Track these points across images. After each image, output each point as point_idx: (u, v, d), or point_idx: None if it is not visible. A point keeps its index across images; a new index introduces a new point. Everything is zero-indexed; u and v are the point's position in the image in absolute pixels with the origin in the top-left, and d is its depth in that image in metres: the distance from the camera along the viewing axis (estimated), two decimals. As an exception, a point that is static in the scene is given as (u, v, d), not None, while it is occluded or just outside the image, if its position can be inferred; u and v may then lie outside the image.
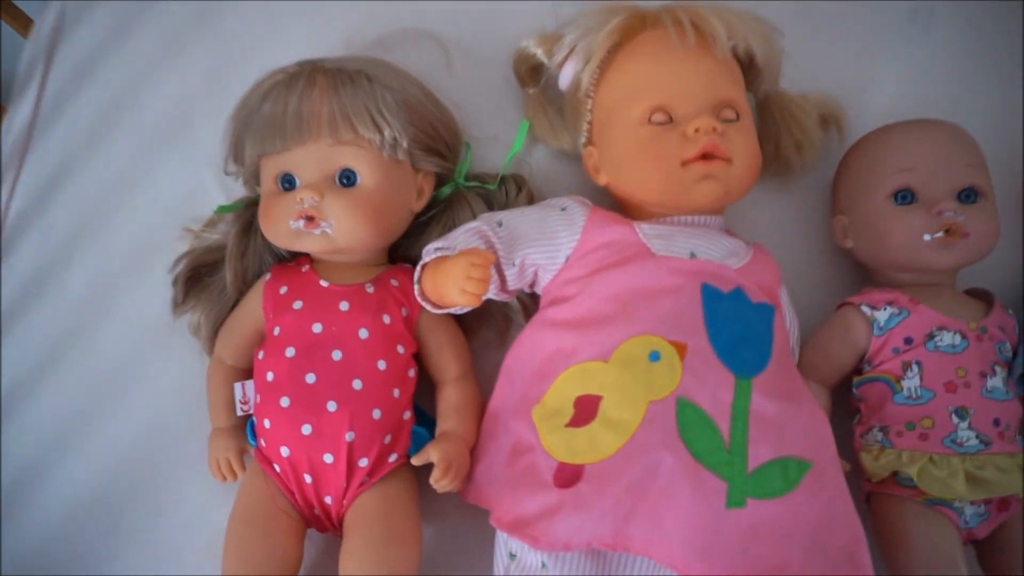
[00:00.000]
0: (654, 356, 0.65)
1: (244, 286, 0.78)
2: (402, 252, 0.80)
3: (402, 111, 0.73)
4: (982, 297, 0.77)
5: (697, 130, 0.69)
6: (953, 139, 0.75)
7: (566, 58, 0.77)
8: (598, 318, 0.69)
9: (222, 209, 0.80)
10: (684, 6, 0.74)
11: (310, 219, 0.70)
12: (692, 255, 0.71)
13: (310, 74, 0.72)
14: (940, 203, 0.71)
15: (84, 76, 0.91)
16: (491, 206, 0.82)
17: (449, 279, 0.67)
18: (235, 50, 0.91)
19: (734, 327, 0.67)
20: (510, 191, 0.83)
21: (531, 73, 0.83)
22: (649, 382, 0.64)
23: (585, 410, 0.66)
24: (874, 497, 0.73)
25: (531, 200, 0.82)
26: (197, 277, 0.80)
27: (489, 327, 0.81)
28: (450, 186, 0.82)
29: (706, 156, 0.70)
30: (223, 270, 0.78)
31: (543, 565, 0.65)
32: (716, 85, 0.72)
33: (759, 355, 0.67)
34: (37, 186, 0.88)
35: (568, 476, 0.64)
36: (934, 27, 0.92)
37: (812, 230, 0.86)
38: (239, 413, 0.75)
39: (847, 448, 0.75)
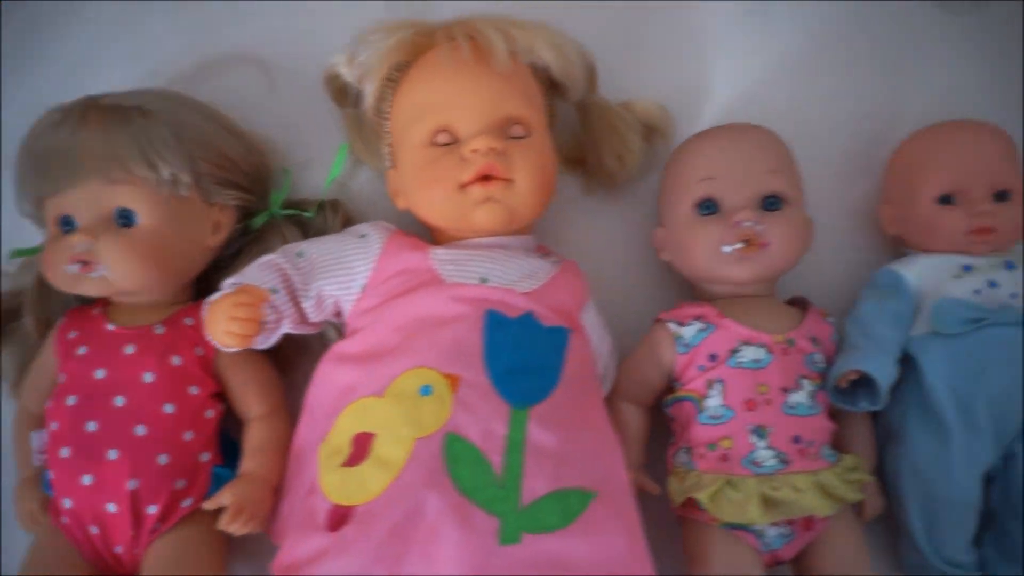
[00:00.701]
0: (425, 390, 0.63)
1: (47, 331, 0.76)
2: (209, 287, 0.78)
3: (184, 145, 0.71)
4: (802, 306, 0.75)
5: (475, 151, 0.67)
6: (756, 144, 0.72)
7: (361, 78, 0.75)
8: (382, 351, 0.67)
9: (17, 254, 0.78)
10: (464, 20, 0.71)
11: (85, 263, 0.68)
12: (483, 280, 0.68)
13: (83, 112, 0.70)
14: (738, 212, 0.69)
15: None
16: (308, 234, 0.80)
17: (214, 321, 0.65)
18: (57, 80, 0.88)
19: (516, 355, 0.65)
20: (328, 217, 0.81)
21: (341, 93, 0.81)
22: (417, 418, 0.62)
23: (360, 448, 0.63)
24: (682, 521, 0.70)
25: (349, 225, 0.80)
26: (3, 322, 0.78)
27: (309, 360, 0.79)
28: (263, 216, 0.79)
29: (486, 178, 0.67)
30: (25, 317, 0.76)
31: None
32: (501, 102, 0.70)
33: (542, 383, 0.65)
34: None
35: (339, 518, 0.62)
36: (770, 23, 0.89)
37: (643, 243, 0.83)
38: (36, 463, 0.73)
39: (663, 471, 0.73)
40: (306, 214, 0.80)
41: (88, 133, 0.69)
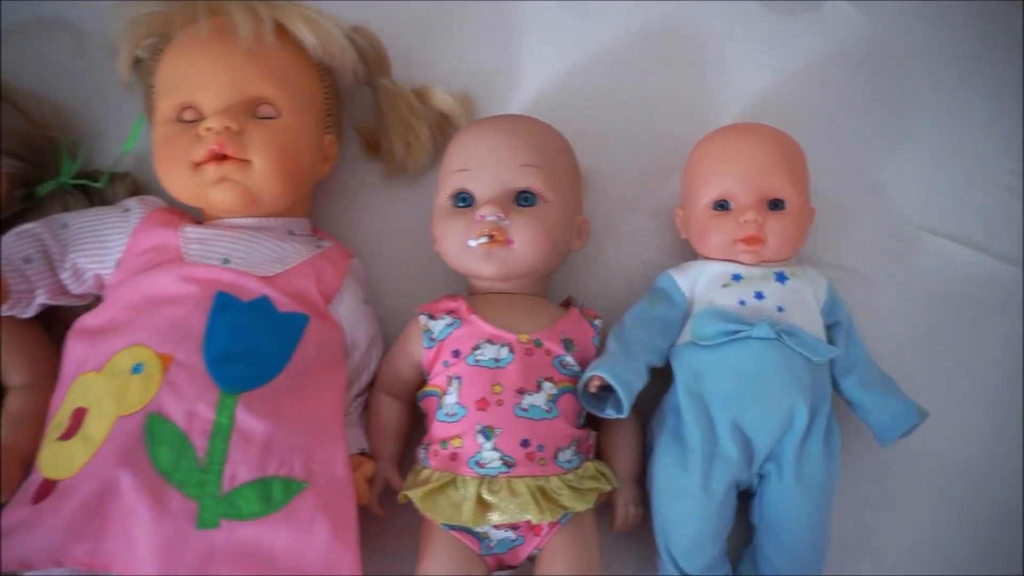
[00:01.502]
0: (136, 368, 0.62)
1: None
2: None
3: None
4: (566, 305, 0.73)
5: (208, 129, 0.65)
6: (513, 137, 0.70)
7: (121, 52, 0.74)
8: (111, 327, 0.66)
9: None
10: (222, -2, 0.69)
11: None
12: (225, 261, 0.67)
13: None
14: (484, 207, 0.67)
15: None
16: (99, 205, 0.79)
17: None
18: None
19: (239, 339, 0.64)
20: (118, 190, 0.79)
21: (134, 65, 0.80)
22: (122, 396, 0.61)
23: (75, 423, 0.63)
24: (421, 519, 0.69)
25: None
26: None
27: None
28: (50, 184, 0.78)
29: (221, 157, 0.66)
30: None
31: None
32: (246, 81, 0.68)
33: (262, 369, 0.64)
34: None
35: (43, 492, 0.61)
36: (588, 14, 0.86)
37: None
38: None
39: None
40: (95, 184, 0.79)
41: None
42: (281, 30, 0.70)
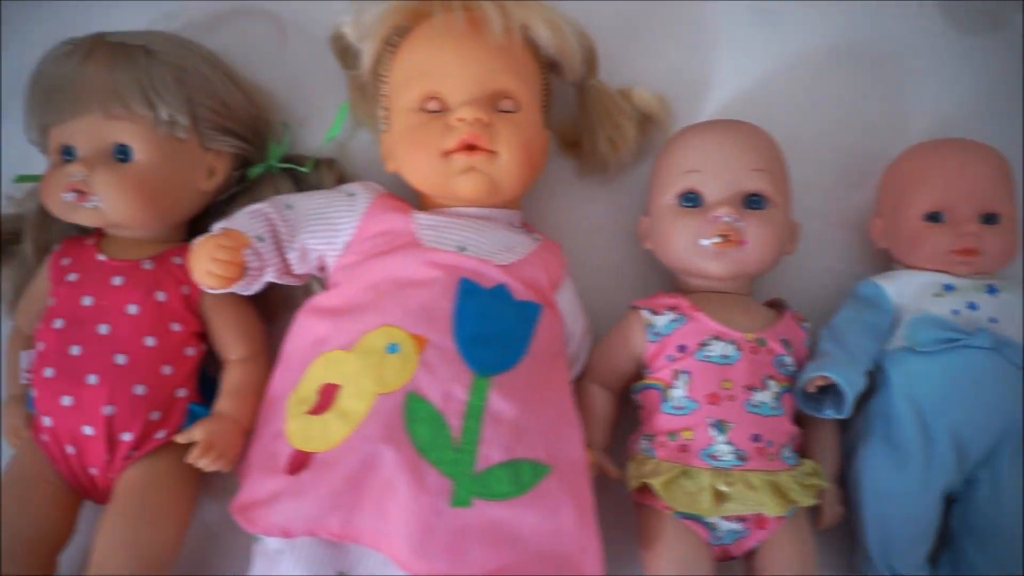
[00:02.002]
0: (392, 348, 0.64)
1: (45, 256, 0.78)
2: (204, 231, 0.80)
3: (184, 88, 0.73)
4: (778, 308, 0.75)
5: (461, 119, 0.68)
6: (744, 141, 0.72)
7: (361, 39, 0.76)
8: (354, 307, 0.68)
9: (21, 179, 0.80)
10: (471, -9, 0.72)
11: (80, 193, 0.70)
12: (461, 248, 0.70)
13: (91, 46, 0.72)
14: (718, 208, 0.69)
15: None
16: (302, 189, 0.81)
17: (197, 260, 0.67)
18: (72, 14, 0.89)
19: (484, 324, 0.66)
20: (323, 175, 0.82)
21: (345, 54, 0.82)
22: (381, 374, 0.64)
23: (326, 398, 0.65)
24: (637, 506, 0.71)
25: (342, 184, 0.81)
26: (4, 245, 0.80)
27: (292, 310, 0.81)
28: (261, 167, 0.81)
29: (470, 147, 0.68)
30: (24, 241, 0.79)
31: (280, 551, 0.65)
32: (492, 74, 0.70)
33: (507, 354, 0.66)
34: None
35: (298, 463, 0.64)
36: (780, 23, 0.88)
37: (630, 231, 0.84)
38: (23, 381, 0.76)
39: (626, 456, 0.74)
40: (302, 169, 0.81)
41: (93, 67, 0.71)
42: (524, 27, 0.72)
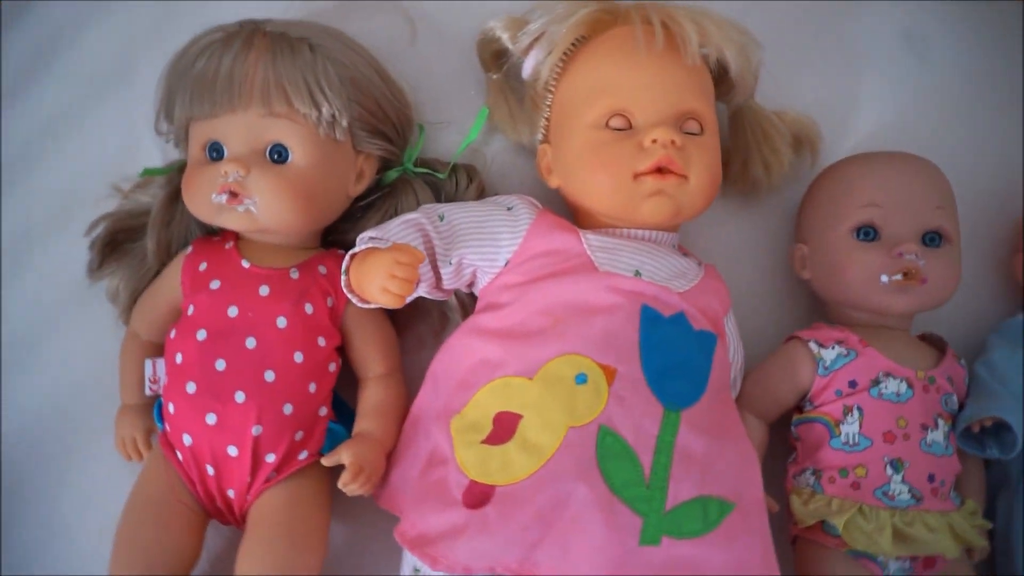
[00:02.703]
0: (581, 379, 0.61)
1: (167, 257, 0.74)
2: (337, 237, 0.76)
3: (345, 87, 0.68)
4: (936, 344, 0.74)
5: (655, 141, 0.65)
6: (925, 177, 0.71)
7: (530, 46, 0.72)
8: (529, 331, 0.65)
9: (148, 172, 0.75)
10: (658, 6, 0.69)
11: (233, 195, 0.65)
12: (637, 273, 0.67)
13: (249, 35, 0.67)
14: (902, 244, 0.68)
15: (23, 10, 0.85)
16: (439, 196, 0.77)
17: (372, 275, 0.63)
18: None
19: (670, 355, 0.64)
20: (460, 182, 0.78)
21: (495, 58, 0.78)
22: (572, 406, 0.61)
23: (504, 428, 0.62)
24: (800, 541, 0.70)
25: (482, 193, 0.78)
26: (117, 242, 0.75)
27: (425, 324, 0.78)
28: (397, 171, 0.77)
29: (661, 170, 0.66)
30: (146, 237, 0.73)
31: (443, 584, 0.62)
32: (682, 94, 0.68)
33: (693, 387, 0.64)
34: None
35: (478, 496, 0.61)
36: (928, 54, 0.87)
37: (774, 255, 0.82)
38: (147, 392, 0.71)
39: (779, 487, 0.72)
40: (439, 175, 0.78)
41: (255, 59, 0.66)
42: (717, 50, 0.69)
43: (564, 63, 0.71)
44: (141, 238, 0.74)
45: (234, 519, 0.69)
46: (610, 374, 0.62)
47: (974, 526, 0.68)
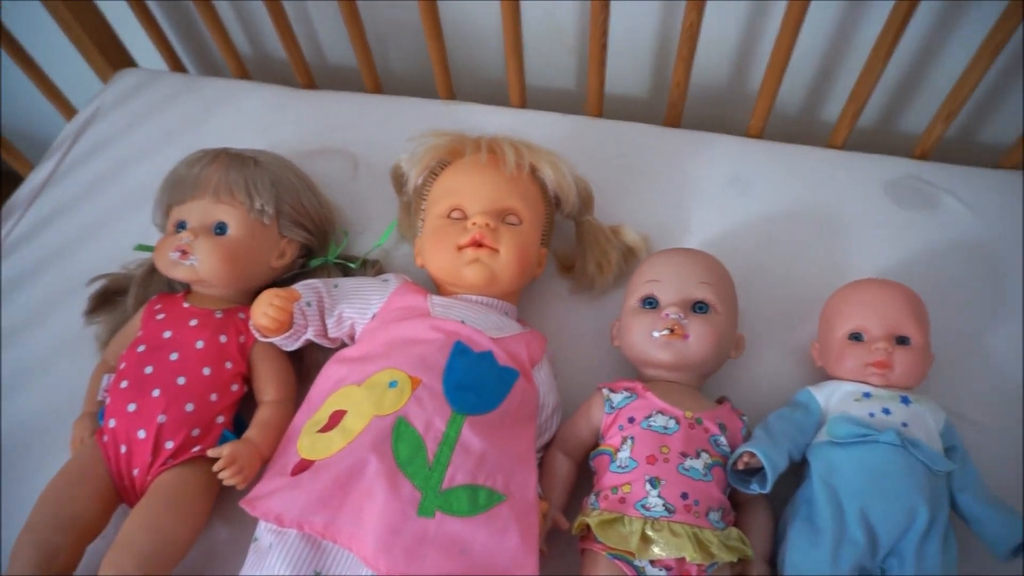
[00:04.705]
0: (392, 384, 0.80)
1: (140, 307, 1.00)
2: (261, 300, 1.01)
3: (276, 188, 0.97)
4: (720, 401, 0.88)
5: (473, 223, 0.89)
6: (694, 262, 0.90)
7: (410, 168, 1.01)
8: (369, 356, 0.86)
9: (140, 248, 1.04)
10: (491, 136, 0.97)
11: (183, 252, 0.93)
12: (462, 320, 0.87)
13: (216, 154, 0.98)
14: (669, 307, 0.86)
15: (97, 152, 1.23)
16: (351, 281, 1.02)
17: (258, 304, 0.87)
18: (207, 144, 1.18)
19: (468, 376, 0.82)
20: (368, 271, 1.03)
21: (399, 183, 1.07)
22: (380, 402, 0.79)
23: (334, 421, 0.80)
24: (582, 552, 0.81)
25: (380, 278, 1.02)
26: (109, 297, 1.03)
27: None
28: (320, 260, 1.04)
29: (477, 244, 0.89)
30: (129, 294, 1.01)
31: (270, 546, 0.77)
32: (503, 195, 0.92)
33: (484, 401, 0.81)
34: (32, 225, 1.16)
35: (301, 468, 0.78)
36: (749, 193, 1.10)
37: (608, 337, 1.00)
38: (99, 397, 0.94)
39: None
40: (351, 265, 1.03)
41: (214, 167, 0.96)
42: (532, 166, 0.96)
43: (434, 178, 0.99)
44: (125, 296, 1.02)
45: (136, 499, 0.87)
46: (415, 383, 0.80)
47: (728, 546, 0.77)
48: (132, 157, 1.22)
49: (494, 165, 0.94)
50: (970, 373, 0.95)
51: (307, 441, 0.80)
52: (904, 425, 0.82)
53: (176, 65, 1.38)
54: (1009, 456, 0.90)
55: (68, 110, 1.33)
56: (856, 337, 0.87)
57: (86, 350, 1.02)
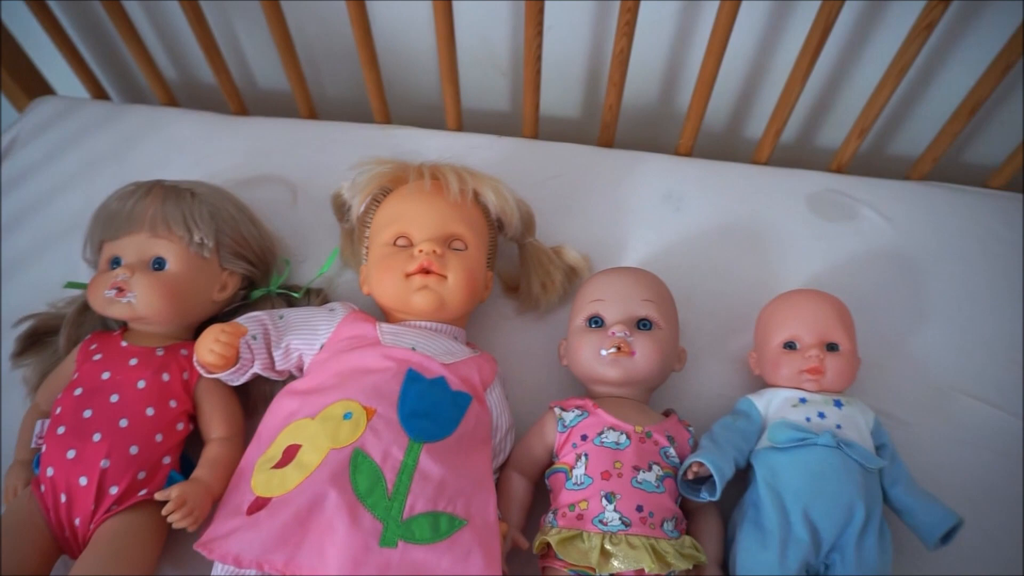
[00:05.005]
0: (347, 415, 0.80)
1: (72, 348, 0.96)
2: (204, 335, 0.99)
3: (215, 221, 0.95)
4: (666, 413, 0.91)
5: (420, 251, 0.90)
6: (636, 281, 0.93)
7: (353, 195, 1.01)
8: (321, 388, 0.85)
9: (70, 285, 1.00)
10: (433, 163, 0.98)
11: (120, 290, 0.90)
12: (412, 347, 0.88)
13: (150, 187, 0.96)
14: (615, 326, 0.89)
15: (16, 185, 1.18)
16: (293, 310, 1.01)
17: (203, 341, 0.85)
18: (135, 174, 1.15)
19: (423, 403, 0.82)
20: (312, 301, 1.02)
21: (341, 209, 1.06)
22: (336, 434, 0.78)
23: (288, 456, 0.79)
24: (543, 570, 0.83)
25: (325, 306, 1.02)
26: (38, 335, 0.98)
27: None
28: (262, 291, 1.02)
29: (425, 271, 0.90)
30: (59, 334, 0.97)
31: (229, 587, 0.76)
32: (448, 221, 0.93)
33: (440, 427, 0.82)
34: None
35: (258, 506, 0.77)
36: (682, 209, 1.15)
37: (555, 355, 1.03)
38: (33, 445, 0.89)
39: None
40: (295, 295, 1.02)
41: (149, 200, 0.94)
42: (475, 192, 0.97)
43: (377, 206, 0.99)
44: (55, 336, 0.98)
45: (78, 549, 0.84)
46: (370, 413, 0.80)
47: (683, 554, 0.80)
48: (54, 189, 1.17)
49: (438, 191, 0.95)
50: (895, 374, 1.01)
51: (262, 478, 0.79)
52: (838, 427, 0.87)
53: (98, 92, 1.33)
54: (933, 450, 0.97)
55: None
56: (790, 346, 0.92)
57: (14, 394, 0.98)
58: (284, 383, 0.94)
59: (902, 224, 1.15)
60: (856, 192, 1.18)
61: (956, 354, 1.03)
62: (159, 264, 0.92)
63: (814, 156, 1.33)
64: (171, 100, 1.32)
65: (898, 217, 1.15)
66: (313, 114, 1.30)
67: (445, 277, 0.90)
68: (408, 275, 0.90)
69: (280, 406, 0.87)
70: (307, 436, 0.80)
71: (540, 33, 1.09)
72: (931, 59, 1.17)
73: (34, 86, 1.31)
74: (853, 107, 1.21)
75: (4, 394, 0.98)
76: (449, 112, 1.24)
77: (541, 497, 0.90)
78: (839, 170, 1.23)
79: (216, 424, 0.91)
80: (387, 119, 1.28)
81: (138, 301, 0.90)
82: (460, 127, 1.27)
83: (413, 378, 0.85)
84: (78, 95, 1.34)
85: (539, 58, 1.13)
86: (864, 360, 0.95)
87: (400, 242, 0.93)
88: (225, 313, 1.00)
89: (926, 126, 1.25)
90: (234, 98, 1.28)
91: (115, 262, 0.93)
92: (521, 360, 1.02)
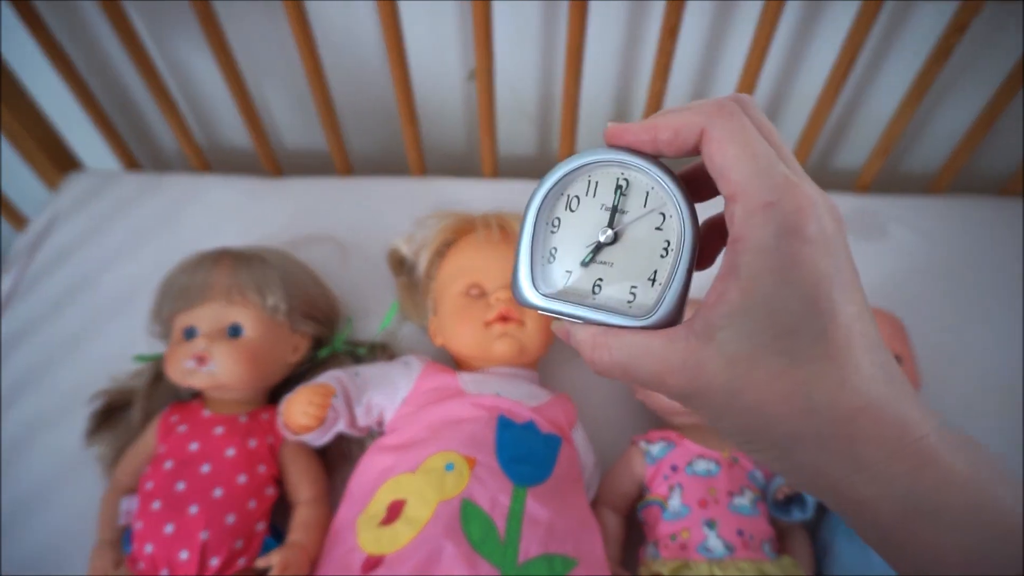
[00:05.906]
0: (449, 467, 0.81)
1: (148, 422, 0.96)
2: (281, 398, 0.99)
3: (285, 286, 0.97)
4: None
5: (497, 299, 0.92)
6: None
7: (418, 251, 1.03)
8: (415, 442, 0.86)
9: (139, 359, 1.00)
10: (497, 213, 1.00)
11: (200, 359, 0.90)
12: (497, 394, 0.90)
13: (217, 256, 0.97)
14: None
15: (61, 262, 1.17)
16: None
17: (295, 405, 0.86)
18: (184, 243, 1.17)
19: (519, 448, 0.84)
20: (378, 355, 1.04)
21: (398, 264, 1.08)
22: (441, 487, 0.80)
23: (393, 512, 0.80)
24: (649, 605, 0.84)
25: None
26: (111, 413, 0.98)
27: (350, 464, 0.98)
28: (328, 349, 1.03)
29: (504, 319, 0.92)
30: (133, 408, 0.97)
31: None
32: None
33: (539, 471, 0.83)
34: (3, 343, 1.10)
35: (371, 565, 0.78)
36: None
37: (621, 388, 1.05)
38: (121, 521, 0.89)
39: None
40: (360, 351, 1.03)
41: (220, 269, 0.95)
42: None
43: (441, 258, 1.01)
44: (128, 410, 0.98)
45: (182, 624, 0.83)
46: (472, 462, 0.82)
47: (788, 574, 0.82)
48: (102, 263, 1.17)
49: (504, 240, 0.98)
50: (952, 379, 1.05)
51: (370, 536, 0.80)
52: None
53: (130, 162, 1.34)
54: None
55: (17, 220, 1.26)
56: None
57: (87, 473, 0.96)
58: (360, 441, 0.96)
59: (935, 237, 1.20)
60: (885, 210, 1.23)
61: (1004, 352, 1.08)
62: (235, 331, 0.93)
63: (835, 178, 1.39)
64: (205, 166, 1.33)
65: (930, 231, 1.20)
66: (349, 170, 1.32)
67: (524, 323, 0.93)
68: (487, 324, 0.92)
69: (372, 463, 0.88)
70: (411, 491, 0.81)
71: (577, 81, 1.14)
72: (943, 75, 1.23)
73: (63, 161, 1.31)
74: (871, 127, 1.27)
75: (77, 473, 0.97)
76: (485, 160, 1.27)
77: (630, 531, 0.91)
78: (864, 190, 1.28)
79: (304, 486, 0.91)
80: (423, 171, 1.31)
81: (219, 369, 0.90)
82: (496, 174, 1.30)
83: (505, 424, 0.86)
84: (103, 166, 1.35)
85: (576, 104, 1.17)
86: (924, 372, 0.99)
87: (473, 292, 0.95)
88: (297, 375, 1.00)
89: (939, 140, 1.31)
90: (269, 160, 1.30)
91: (189, 332, 0.94)
92: (588, 396, 1.04)
